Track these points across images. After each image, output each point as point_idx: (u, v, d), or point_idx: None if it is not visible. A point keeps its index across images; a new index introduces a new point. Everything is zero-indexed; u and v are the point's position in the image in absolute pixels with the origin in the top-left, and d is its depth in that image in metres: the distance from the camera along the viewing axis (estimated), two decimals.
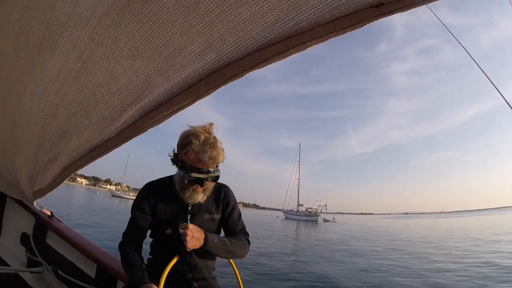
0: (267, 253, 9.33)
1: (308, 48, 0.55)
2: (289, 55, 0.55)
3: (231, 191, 1.34)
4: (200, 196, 1.21)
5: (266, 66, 0.56)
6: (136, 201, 1.29)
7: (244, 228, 1.36)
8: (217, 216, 1.28)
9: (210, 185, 1.23)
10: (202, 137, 1.14)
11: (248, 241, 1.33)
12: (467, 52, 1.68)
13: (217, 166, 1.20)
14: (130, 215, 1.29)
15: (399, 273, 7.31)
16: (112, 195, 66.69)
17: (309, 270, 7.38)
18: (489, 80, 1.68)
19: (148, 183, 1.32)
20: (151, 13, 0.60)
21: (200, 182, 1.16)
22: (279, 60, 0.55)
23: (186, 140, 1.16)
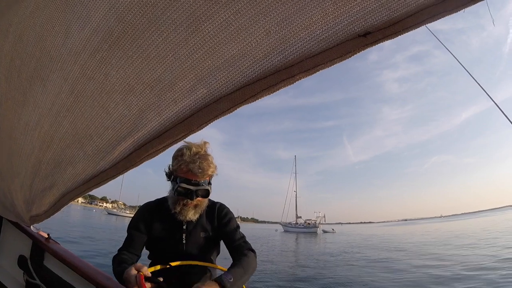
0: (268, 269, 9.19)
1: (297, 82, 0.56)
2: (279, 89, 0.56)
3: (226, 206, 1.36)
4: (191, 213, 1.20)
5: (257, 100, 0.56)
6: (132, 220, 1.31)
7: (243, 237, 1.33)
8: (214, 234, 1.28)
9: (201, 202, 1.23)
10: (194, 149, 1.20)
11: (252, 250, 1.28)
12: (456, 59, 1.70)
13: (209, 183, 1.20)
14: (126, 233, 1.31)
15: None
16: (108, 213, 66.60)
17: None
18: (479, 85, 1.70)
19: (146, 203, 1.34)
20: (140, 49, 0.60)
21: (190, 194, 1.16)
22: (268, 94, 0.56)
23: (179, 152, 1.22)
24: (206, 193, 1.21)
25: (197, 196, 1.19)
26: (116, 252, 1.27)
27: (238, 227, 1.34)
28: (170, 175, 1.23)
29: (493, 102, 1.52)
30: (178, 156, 1.20)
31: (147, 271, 1.02)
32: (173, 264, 1.19)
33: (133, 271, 0.99)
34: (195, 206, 1.21)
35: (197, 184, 1.17)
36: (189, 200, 1.18)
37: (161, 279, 1.02)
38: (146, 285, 0.95)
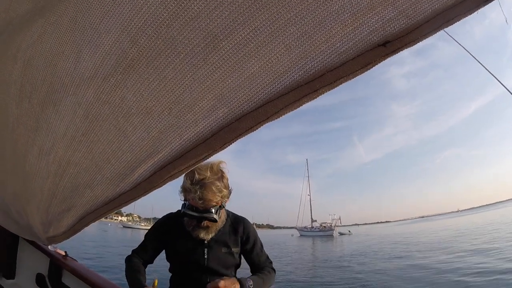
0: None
1: (319, 96, 0.55)
2: (302, 104, 0.55)
3: (250, 223, 1.35)
4: (203, 233, 1.19)
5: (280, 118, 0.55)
6: (151, 228, 1.33)
7: (267, 257, 1.37)
8: (236, 250, 1.27)
9: (212, 224, 1.20)
10: (197, 176, 1.12)
11: (274, 269, 1.35)
12: (467, 51, 1.69)
13: (221, 207, 1.17)
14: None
15: None
16: (124, 226, 66.97)
17: None
18: (488, 72, 1.69)
19: (169, 213, 1.34)
20: (157, 71, 0.59)
21: (194, 219, 1.15)
22: (292, 110, 0.55)
23: (185, 177, 1.16)
24: (213, 220, 1.17)
25: (205, 220, 1.16)
26: (130, 253, 1.30)
27: (262, 246, 1.36)
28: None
29: (502, 90, 1.51)
30: (183, 181, 1.17)
31: None
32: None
33: None
34: (207, 227, 1.19)
35: (202, 212, 1.13)
36: (196, 222, 1.17)
37: None
38: None
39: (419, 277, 7.66)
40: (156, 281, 1.15)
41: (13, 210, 1.36)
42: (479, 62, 1.91)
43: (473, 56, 2.00)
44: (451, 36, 1.87)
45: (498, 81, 1.82)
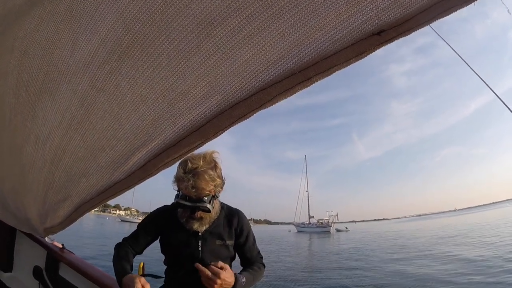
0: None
1: (313, 84, 0.55)
2: (295, 92, 0.55)
3: (244, 216, 1.34)
4: (196, 225, 1.18)
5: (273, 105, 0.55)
6: (145, 219, 1.32)
7: (259, 251, 1.37)
8: (230, 242, 1.26)
9: (206, 215, 1.19)
10: (189, 165, 1.12)
11: (264, 264, 1.35)
12: (457, 53, 1.69)
13: (214, 197, 1.17)
14: None
15: None
16: (122, 220, 67.20)
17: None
18: (479, 77, 1.69)
19: (163, 207, 1.33)
20: (151, 59, 0.59)
21: (188, 209, 1.15)
22: (285, 97, 0.55)
23: (178, 166, 1.16)
24: (207, 210, 1.16)
25: (199, 210, 1.16)
26: (121, 241, 1.30)
27: (254, 239, 1.36)
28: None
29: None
30: (177, 168, 1.16)
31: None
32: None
33: (138, 286, 1.02)
34: (200, 219, 1.19)
35: (195, 201, 1.13)
36: (190, 212, 1.17)
37: None
38: None
39: (413, 274, 7.68)
40: (142, 264, 1.14)
41: (11, 203, 1.37)
42: (471, 68, 1.90)
43: (465, 61, 2.00)
44: (444, 40, 1.86)
45: (488, 86, 1.81)
